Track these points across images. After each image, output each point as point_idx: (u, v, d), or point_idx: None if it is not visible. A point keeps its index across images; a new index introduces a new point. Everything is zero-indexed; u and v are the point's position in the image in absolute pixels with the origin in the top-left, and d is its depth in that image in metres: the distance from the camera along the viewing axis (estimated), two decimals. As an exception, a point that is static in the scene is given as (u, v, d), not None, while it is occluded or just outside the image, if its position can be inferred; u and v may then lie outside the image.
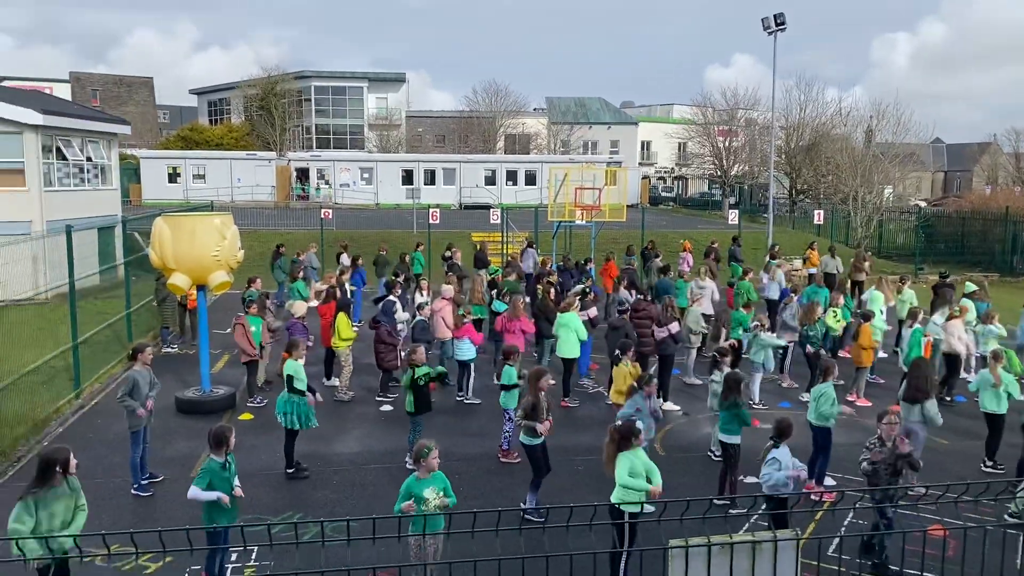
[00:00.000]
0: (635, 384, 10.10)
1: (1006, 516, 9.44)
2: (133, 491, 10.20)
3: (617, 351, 11.76)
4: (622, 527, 7.40)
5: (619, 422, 8.19)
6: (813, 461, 10.31)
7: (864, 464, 8.34)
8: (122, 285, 18.80)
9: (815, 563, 8.10)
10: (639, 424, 7.85)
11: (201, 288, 13.38)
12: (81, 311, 14.89)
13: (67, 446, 7.12)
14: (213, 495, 7.27)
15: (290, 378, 10.62)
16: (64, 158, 26.38)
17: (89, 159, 27.90)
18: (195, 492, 7.30)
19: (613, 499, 7.58)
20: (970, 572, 7.97)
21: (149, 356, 10.49)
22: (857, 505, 9.08)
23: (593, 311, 15.10)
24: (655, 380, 10.38)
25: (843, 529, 9.30)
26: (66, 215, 22.46)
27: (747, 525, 9.20)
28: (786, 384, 15.21)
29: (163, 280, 16.50)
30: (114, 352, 16.59)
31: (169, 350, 17.43)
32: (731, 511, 9.60)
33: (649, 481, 7.55)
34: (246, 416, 13.23)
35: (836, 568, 8.19)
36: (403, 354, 14.29)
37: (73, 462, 6.89)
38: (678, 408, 13.74)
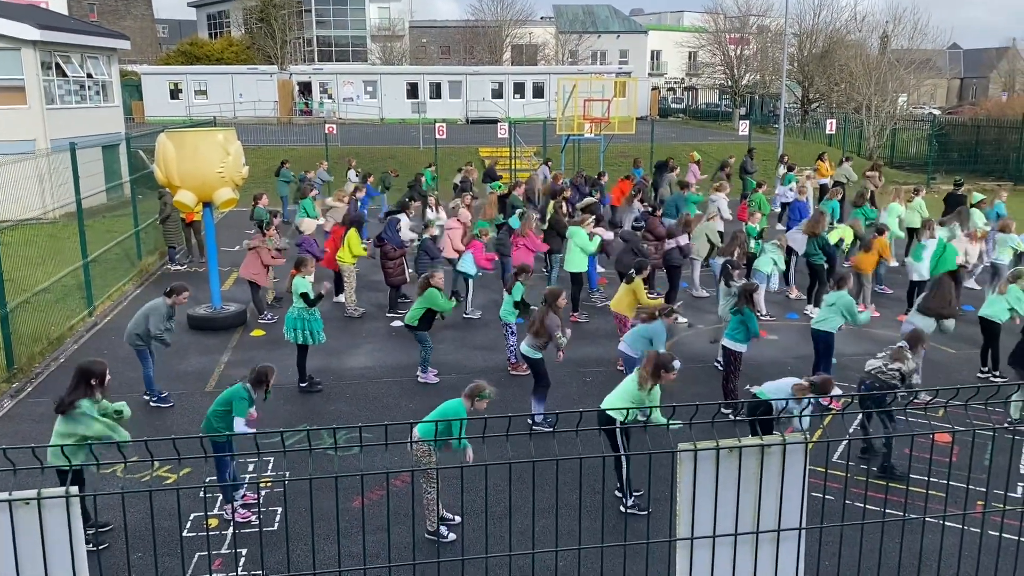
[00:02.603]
0: (656, 313, 10.02)
1: (1006, 423, 9.50)
2: (152, 403, 10.42)
3: (632, 271, 11.74)
4: (613, 437, 7.64)
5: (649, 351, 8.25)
6: (815, 368, 10.39)
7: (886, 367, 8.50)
8: (129, 203, 18.75)
9: (822, 469, 8.29)
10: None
11: (207, 205, 13.33)
12: (89, 229, 14.89)
13: (103, 360, 7.27)
14: (252, 429, 7.42)
15: (304, 294, 10.67)
16: (64, 75, 25.98)
17: (90, 75, 27.47)
18: (241, 426, 7.41)
19: (605, 405, 7.71)
20: (976, 477, 8.13)
21: (184, 299, 10.33)
22: (862, 413, 9.18)
23: (608, 234, 14.98)
24: (675, 313, 10.31)
25: (849, 434, 9.43)
26: (69, 133, 22.26)
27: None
28: (793, 295, 15.22)
29: (165, 199, 16.46)
30: (124, 270, 16.68)
31: (177, 268, 17.49)
32: (735, 417, 9.74)
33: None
34: (257, 332, 13.37)
35: (842, 474, 8.33)
36: (409, 271, 14.38)
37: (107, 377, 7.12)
38: (685, 320, 13.80)
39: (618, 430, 7.48)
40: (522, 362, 11.26)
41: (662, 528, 7.26)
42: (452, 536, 7.31)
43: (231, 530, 7.48)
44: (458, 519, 7.46)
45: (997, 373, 11.18)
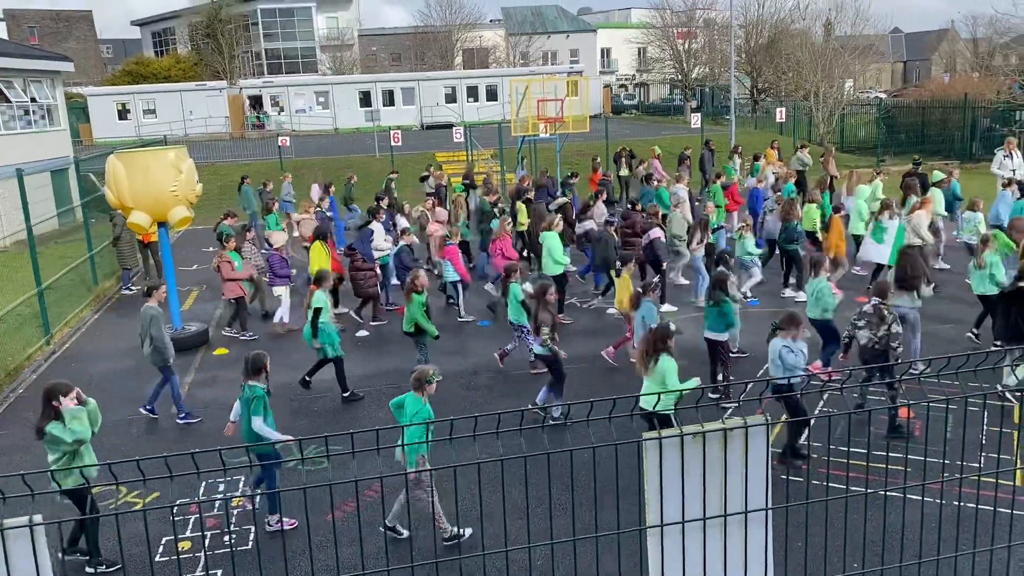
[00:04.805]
0: (639, 291, 10.18)
1: (998, 387, 9.45)
2: (179, 420, 10.40)
3: (619, 263, 11.96)
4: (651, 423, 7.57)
5: (652, 326, 8.35)
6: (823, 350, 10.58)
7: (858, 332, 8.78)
8: (81, 228, 18.43)
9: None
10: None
11: (162, 225, 13.16)
12: (42, 256, 14.63)
13: (67, 381, 7.17)
14: (283, 437, 7.41)
15: (318, 310, 10.62)
16: (7, 100, 25.46)
17: (33, 100, 26.96)
18: (262, 426, 7.40)
19: (651, 406, 7.39)
20: (940, 450, 8.33)
21: (163, 294, 10.50)
22: (843, 386, 9.34)
23: (589, 224, 15.06)
24: (659, 287, 10.51)
25: (814, 418, 9.58)
26: (15, 159, 21.76)
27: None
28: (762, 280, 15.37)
29: (115, 220, 16.19)
30: (80, 296, 16.39)
31: (127, 291, 17.16)
32: (724, 404, 9.86)
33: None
34: (221, 351, 13.23)
35: (804, 454, 8.48)
36: (381, 280, 14.30)
37: (70, 399, 6.99)
38: (676, 308, 13.97)
39: (653, 418, 7.46)
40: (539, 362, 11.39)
41: (633, 520, 7.32)
42: (468, 532, 7.13)
43: (204, 552, 7.40)
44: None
45: (999, 344, 11.31)
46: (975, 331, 11.68)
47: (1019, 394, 9.31)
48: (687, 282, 15.24)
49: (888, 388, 8.94)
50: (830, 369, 10.33)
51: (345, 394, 10.91)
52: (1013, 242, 12.40)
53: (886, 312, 8.88)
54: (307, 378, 11.16)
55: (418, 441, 6.52)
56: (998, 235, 12.25)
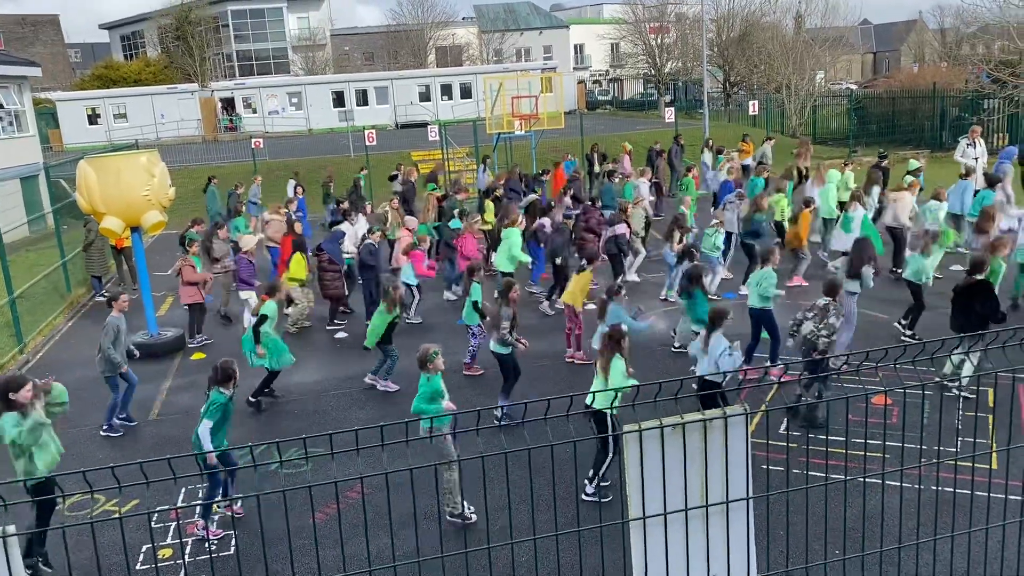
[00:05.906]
0: (604, 296, 10.11)
1: (936, 379, 9.72)
2: (102, 432, 10.24)
3: (583, 260, 11.99)
4: (606, 431, 7.52)
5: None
6: (752, 348, 10.62)
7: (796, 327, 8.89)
8: (53, 235, 18.17)
9: (763, 441, 8.47)
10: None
11: (135, 230, 13.01)
12: (13, 264, 14.44)
13: (24, 376, 7.09)
14: (210, 448, 7.35)
15: (263, 318, 10.47)
16: (-27, 107, 25.10)
17: (1, 106, 26.58)
18: (204, 430, 7.39)
19: (599, 405, 7.37)
20: (910, 435, 8.42)
21: (124, 304, 10.35)
22: (802, 378, 9.41)
23: (547, 221, 15.06)
24: (623, 289, 10.48)
25: (788, 405, 9.65)
26: (-17, 167, 21.49)
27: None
28: (727, 276, 15.45)
29: (90, 226, 15.95)
30: (54, 304, 16.17)
31: (100, 298, 16.92)
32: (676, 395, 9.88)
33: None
34: (198, 356, 13.11)
35: (784, 444, 8.54)
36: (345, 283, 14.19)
37: (28, 393, 6.91)
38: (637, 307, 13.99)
39: (609, 418, 7.45)
40: (476, 364, 11.31)
41: (615, 514, 7.34)
42: (474, 517, 7.37)
43: (184, 559, 7.33)
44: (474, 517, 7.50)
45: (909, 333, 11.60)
46: (903, 322, 11.76)
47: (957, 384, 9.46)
48: (639, 279, 15.23)
49: (812, 383, 9.02)
50: (782, 365, 10.39)
51: (252, 399, 10.69)
52: (982, 230, 12.52)
53: (831, 308, 9.03)
54: (265, 393, 10.95)
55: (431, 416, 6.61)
56: (946, 235, 12.40)
